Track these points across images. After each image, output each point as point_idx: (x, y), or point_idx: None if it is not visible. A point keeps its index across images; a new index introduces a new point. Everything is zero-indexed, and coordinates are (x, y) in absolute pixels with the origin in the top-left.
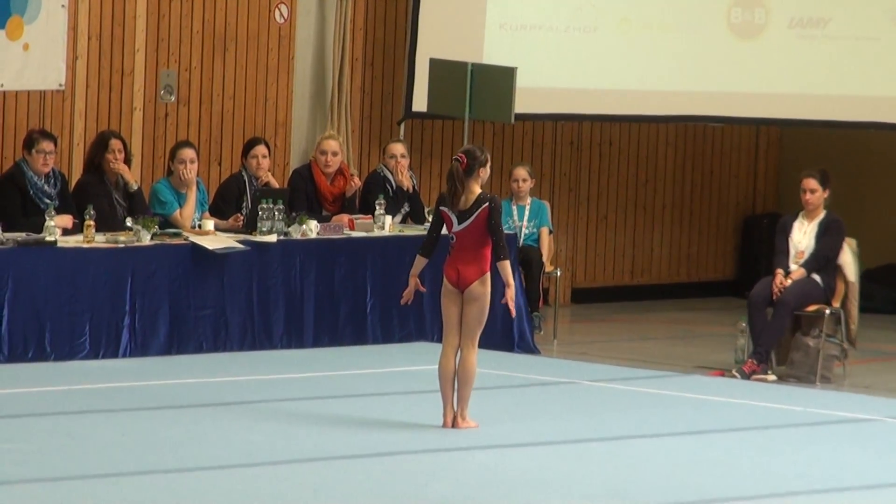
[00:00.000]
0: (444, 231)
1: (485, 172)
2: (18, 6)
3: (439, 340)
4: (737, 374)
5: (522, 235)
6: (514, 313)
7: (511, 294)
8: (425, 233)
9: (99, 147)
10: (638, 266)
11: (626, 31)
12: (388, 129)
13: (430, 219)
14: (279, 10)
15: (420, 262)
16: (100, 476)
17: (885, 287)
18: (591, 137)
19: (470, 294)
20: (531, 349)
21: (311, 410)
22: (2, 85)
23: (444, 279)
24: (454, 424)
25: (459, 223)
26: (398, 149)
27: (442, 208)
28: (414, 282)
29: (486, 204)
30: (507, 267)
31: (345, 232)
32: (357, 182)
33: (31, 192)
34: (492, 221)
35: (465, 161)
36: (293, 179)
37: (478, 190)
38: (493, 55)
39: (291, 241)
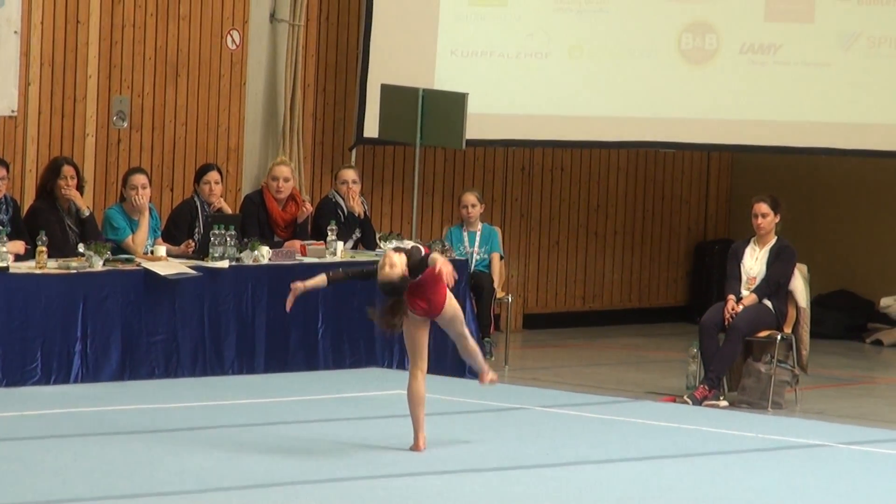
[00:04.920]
0: None
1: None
2: None
3: (390, 366)
4: (688, 400)
5: (474, 261)
6: (451, 283)
7: (445, 272)
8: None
9: (51, 173)
10: (589, 292)
11: (577, 57)
12: (340, 155)
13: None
14: (231, 36)
15: (320, 281)
16: (52, 502)
17: (836, 312)
18: (542, 163)
19: (445, 314)
20: None
21: (263, 436)
22: None
23: (410, 314)
24: (480, 380)
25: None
26: (350, 174)
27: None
28: (300, 287)
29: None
30: (435, 256)
31: (297, 258)
32: (309, 208)
33: None
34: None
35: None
36: (245, 205)
37: None
38: (444, 81)
39: (243, 267)
